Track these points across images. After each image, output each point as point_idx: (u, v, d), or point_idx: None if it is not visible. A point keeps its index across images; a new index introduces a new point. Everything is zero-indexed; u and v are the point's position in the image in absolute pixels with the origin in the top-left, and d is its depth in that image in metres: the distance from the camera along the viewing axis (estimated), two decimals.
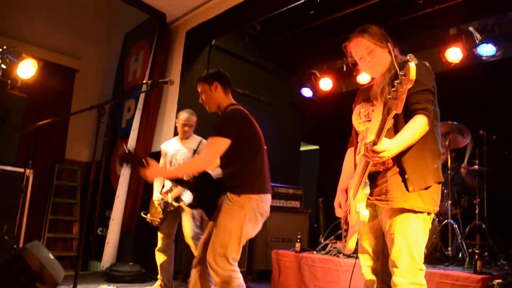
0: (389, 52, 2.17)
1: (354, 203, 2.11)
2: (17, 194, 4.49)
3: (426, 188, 2.02)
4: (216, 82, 2.93)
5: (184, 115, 4.36)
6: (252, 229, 2.74)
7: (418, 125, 1.95)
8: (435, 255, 4.13)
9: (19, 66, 4.78)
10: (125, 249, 5.41)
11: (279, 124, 6.55)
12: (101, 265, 5.31)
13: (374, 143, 1.80)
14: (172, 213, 4.20)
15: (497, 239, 4.51)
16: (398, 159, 2.01)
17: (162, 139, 5.63)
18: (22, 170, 4.57)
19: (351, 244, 2.17)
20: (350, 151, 2.46)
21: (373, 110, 2.15)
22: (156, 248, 4.24)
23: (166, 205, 4.14)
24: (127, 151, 2.59)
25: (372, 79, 2.34)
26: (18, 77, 4.84)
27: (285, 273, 4.78)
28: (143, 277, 5.01)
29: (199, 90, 3.00)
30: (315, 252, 4.64)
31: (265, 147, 2.97)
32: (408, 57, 1.67)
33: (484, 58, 4.86)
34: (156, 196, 4.24)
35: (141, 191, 5.53)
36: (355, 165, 2.27)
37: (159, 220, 4.21)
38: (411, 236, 2.02)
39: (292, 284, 4.55)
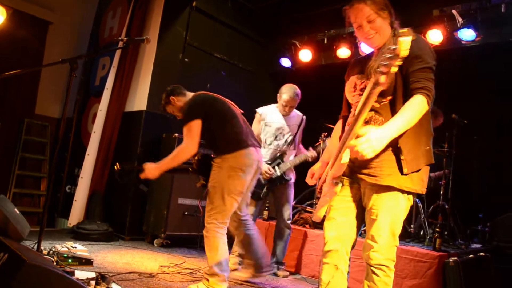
0: (390, 23, 2.09)
1: (331, 173, 2.07)
2: None
3: (418, 170, 2.01)
4: (172, 97, 3.39)
5: (286, 95, 4.18)
6: (233, 185, 3.07)
7: (417, 106, 1.88)
8: None
9: None
10: (93, 208, 5.35)
11: (256, 92, 6.49)
12: (68, 222, 5.27)
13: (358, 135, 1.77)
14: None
15: (457, 220, 4.69)
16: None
17: (136, 99, 5.57)
18: None
19: (321, 212, 2.17)
20: (338, 123, 2.41)
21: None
22: None
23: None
24: (121, 169, 3.15)
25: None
26: None
27: None
28: (110, 236, 5.02)
29: (169, 111, 3.49)
30: None
31: (241, 111, 3.39)
32: (402, 31, 1.61)
33: (463, 42, 4.88)
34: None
35: (112, 150, 5.46)
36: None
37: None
38: (395, 214, 2.03)
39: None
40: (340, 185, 2.05)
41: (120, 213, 5.32)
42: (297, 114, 4.36)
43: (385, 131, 1.83)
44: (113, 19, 6.09)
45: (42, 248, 3.11)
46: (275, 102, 4.36)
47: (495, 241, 4.60)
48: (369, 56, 2.24)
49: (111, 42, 5.94)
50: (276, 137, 4.26)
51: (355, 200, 2.19)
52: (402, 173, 1.98)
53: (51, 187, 3.39)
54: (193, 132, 3.09)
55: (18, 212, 3.84)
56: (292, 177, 4.29)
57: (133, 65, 5.60)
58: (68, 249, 3.66)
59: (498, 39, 4.75)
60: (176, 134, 5.14)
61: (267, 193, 4.22)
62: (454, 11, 4.78)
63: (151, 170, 3.18)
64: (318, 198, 2.27)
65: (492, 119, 5.29)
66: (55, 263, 3.30)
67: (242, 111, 3.46)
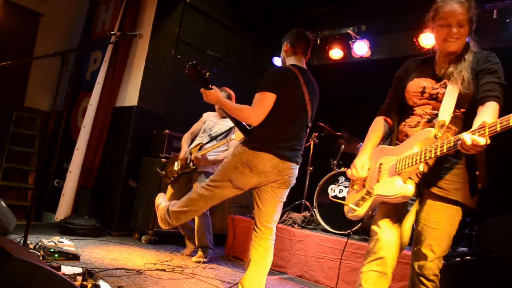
0: (468, 35, 2.10)
1: (401, 175, 2.01)
2: None
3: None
4: (285, 45, 3.07)
5: None
6: (237, 178, 2.82)
7: (496, 112, 1.85)
8: None
9: None
10: (81, 203, 5.31)
11: (248, 92, 6.40)
12: (55, 216, 5.23)
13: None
14: (185, 176, 4.42)
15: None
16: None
17: (127, 94, 5.54)
18: None
19: (362, 210, 2.18)
20: (379, 120, 2.38)
21: (444, 90, 2.06)
22: None
23: (186, 162, 4.34)
24: (193, 64, 2.75)
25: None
26: None
27: (240, 238, 4.87)
28: (98, 231, 4.99)
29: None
30: None
31: (309, 109, 2.96)
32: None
33: None
34: (184, 151, 4.43)
35: (102, 145, 5.44)
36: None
37: (172, 179, 4.42)
38: (454, 227, 2.07)
39: (246, 250, 4.60)
40: (413, 188, 1.98)
41: (108, 209, 5.29)
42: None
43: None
44: (106, 13, 6.05)
45: (28, 242, 3.08)
46: None
47: (482, 245, 4.64)
48: (429, 59, 2.26)
49: (103, 36, 5.91)
50: (204, 131, 4.54)
51: (411, 206, 2.17)
52: (473, 189, 2.01)
53: (39, 180, 3.33)
54: (265, 104, 2.77)
55: (4, 205, 3.69)
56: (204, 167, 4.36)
57: (125, 60, 5.58)
58: (55, 243, 3.64)
59: (490, 45, 4.78)
60: (167, 131, 5.12)
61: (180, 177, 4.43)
62: None
63: (212, 94, 2.85)
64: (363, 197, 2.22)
65: None
66: (41, 258, 3.26)
67: (275, 94, 2.88)
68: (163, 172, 4.58)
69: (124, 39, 3.22)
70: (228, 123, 4.40)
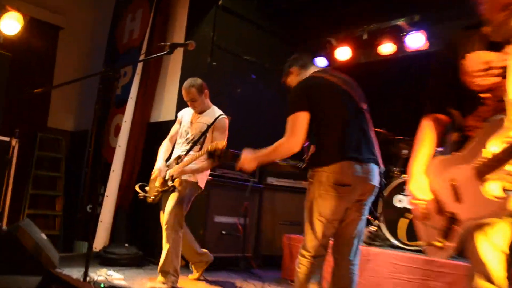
0: None
1: (491, 184, 1.60)
2: (2, 165, 4.27)
3: None
4: (292, 68, 3.05)
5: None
6: (324, 206, 2.60)
7: None
8: None
9: (2, 20, 4.50)
10: (119, 228, 5.26)
11: (286, 96, 6.30)
12: (94, 246, 5.07)
13: None
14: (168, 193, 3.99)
15: None
16: None
17: (162, 108, 5.48)
18: (7, 139, 4.32)
19: (450, 245, 1.75)
20: (428, 125, 1.97)
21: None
22: None
23: (164, 180, 3.92)
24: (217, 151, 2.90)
25: None
26: (1, 32, 4.56)
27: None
28: (141, 260, 4.88)
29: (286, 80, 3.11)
30: None
31: (363, 106, 2.84)
32: None
33: None
34: (159, 164, 4.00)
35: (138, 164, 5.36)
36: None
37: (153, 197, 4.00)
38: None
39: None
40: None
41: (149, 234, 5.16)
42: (213, 112, 4.06)
43: None
44: (133, 22, 5.99)
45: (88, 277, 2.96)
46: None
47: None
48: (479, 24, 1.81)
49: (133, 47, 5.81)
50: (180, 136, 4.11)
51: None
52: None
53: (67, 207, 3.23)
54: (297, 126, 2.66)
55: (45, 237, 3.76)
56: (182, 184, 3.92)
57: (157, 71, 5.52)
58: (105, 278, 3.56)
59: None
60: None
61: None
62: None
63: (248, 160, 2.73)
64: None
65: None
66: None
67: (305, 111, 2.73)
68: (142, 193, 4.14)
69: (175, 49, 3.12)
70: (205, 119, 4.01)
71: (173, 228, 3.74)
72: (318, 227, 2.62)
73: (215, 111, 4.08)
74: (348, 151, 2.61)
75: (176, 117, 4.41)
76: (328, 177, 2.58)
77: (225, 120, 4.00)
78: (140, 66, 5.41)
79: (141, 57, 5.38)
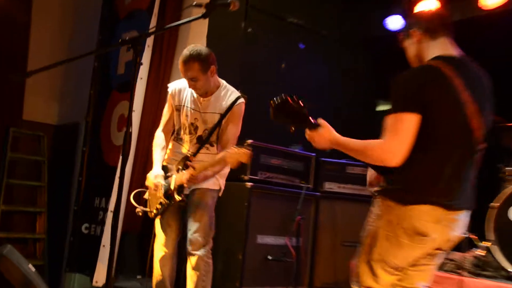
0: None
1: None
2: None
3: None
4: (413, 31, 2.49)
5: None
6: (393, 253, 2.31)
7: None
8: None
9: None
10: (128, 255, 4.82)
11: (347, 73, 5.73)
12: (94, 280, 4.50)
13: None
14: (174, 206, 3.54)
15: None
16: None
17: None
18: None
19: None
20: None
21: None
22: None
23: (167, 190, 3.41)
24: (282, 101, 2.27)
25: None
26: None
27: None
28: None
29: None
30: None
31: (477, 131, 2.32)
32: None
33: None
34: (155, 171, 3.42)
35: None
36: None
37: (155, 211, 3.51)
38: None
39: None
40: None
41: None
42: (225, 94, 3.48)
43: None
44: None
45: None
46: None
47: None
48: None
49: (138, 9, 5.08)
50: (186, 130, 3.55)
51: None
52: None
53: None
54: (403, 130, 2.24)
55: (33, 269, 3.45)
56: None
57: (173, 42, 4.83)
58: None
59: None
60: (249, 141, 4.32)
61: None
62: None
63: (324, 135, 2.35)
64: None
65: None
66: None
67: (416, 113, 2.32)
68: (140, 207, 3.65)
69: (213, 10, 2.46)
70: (216, 106, 3.44)
71: (206, 253, 3.46)
72: (382, 276, 2.44)
73: (228, 91, 3.48)
74: (437, 194, 2.27)
75: None
76: (402, 218, 2.33)
77: (242, 105, 3.45)
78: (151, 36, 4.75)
79: (153, 22, 4.60)
